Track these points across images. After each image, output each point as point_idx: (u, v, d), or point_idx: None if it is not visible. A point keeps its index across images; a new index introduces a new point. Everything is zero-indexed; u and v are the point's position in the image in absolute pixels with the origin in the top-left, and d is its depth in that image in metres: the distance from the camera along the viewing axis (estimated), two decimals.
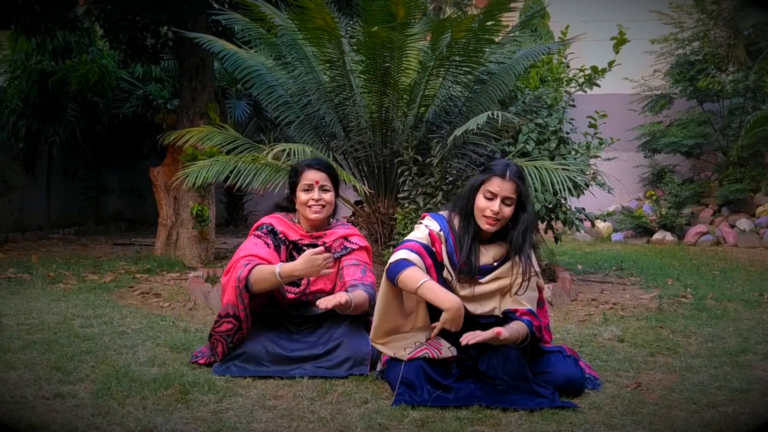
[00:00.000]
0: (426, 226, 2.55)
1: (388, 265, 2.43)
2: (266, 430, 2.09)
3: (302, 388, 2.48)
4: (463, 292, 2.46)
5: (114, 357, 2.82)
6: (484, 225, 2.45)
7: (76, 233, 8.87)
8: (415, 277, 2.34)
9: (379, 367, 2.62)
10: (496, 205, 2.41)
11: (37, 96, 8.05)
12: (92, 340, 3.10)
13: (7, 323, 3.37)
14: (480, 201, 2.45)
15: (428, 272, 2.41)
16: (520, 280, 2.45)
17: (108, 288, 4.65)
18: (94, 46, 8.44)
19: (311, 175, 2.81)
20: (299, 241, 2.85)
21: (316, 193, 2.80)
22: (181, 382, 2.44)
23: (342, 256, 2.86)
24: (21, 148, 8.20)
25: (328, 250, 2.77)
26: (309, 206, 2.80)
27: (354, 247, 2.88)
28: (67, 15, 6.19)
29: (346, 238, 2.89)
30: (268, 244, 2.79)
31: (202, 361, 2.76)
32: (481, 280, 2.48)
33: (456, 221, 2.53)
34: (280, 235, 2.84)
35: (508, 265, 2.49)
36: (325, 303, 2.52)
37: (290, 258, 2.79)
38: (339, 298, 2.53)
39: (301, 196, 2.82)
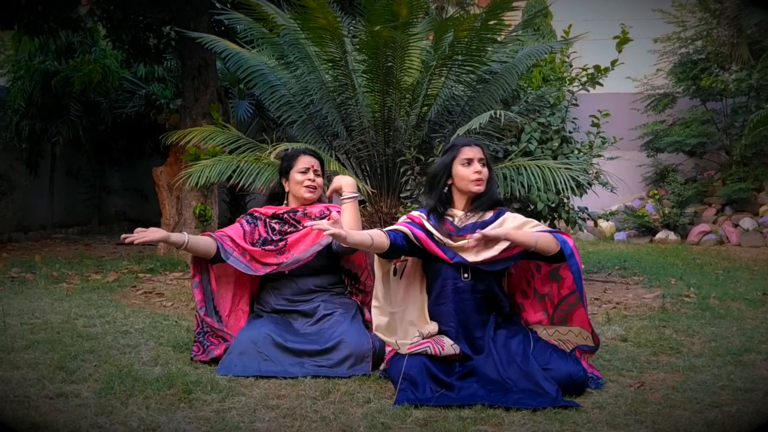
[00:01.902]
0: (406, 215, 2.76)
1: None
2: (269, 429, 2.09)
3: (305, 387, 2.48)
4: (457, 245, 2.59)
5: (117, 356, 2.82)
6: (474, 188, 2.65)
7: (79, 233, 8.89)
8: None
9: (382, 366, 2.62)
10: (478, 166, 2.65)
11: (40, 96, 8.06)
12: (95, 339, 3.10)
13: (11, 323, 3.37)
14: (460, 171, 2.66)
15: (421, 243, 2.58)
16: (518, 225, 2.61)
17: (111, 287, 4.65)
18: (96, 46, 8.44)
19: (307, 160, 3.11)
20: (277, 211, 3.10)
21: (311, 175, 3.09)
22: (183, 382, 2.44)
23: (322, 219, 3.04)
24: (24, 148, 8.20)
25: (307, 217, 3.03)
26: (305, 186, 3.07)
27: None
28: (69, 15, 6.19)
29: (327, 208, 3.10)
30: (242, 224, 3.07)
31: (202, 358, 2.83)
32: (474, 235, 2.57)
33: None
34: (257, 215, 3.12)
35: (499, 220, 2.63)
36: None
37: (269, 228, 3.05)
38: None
39: (297, 176, 3.08)
